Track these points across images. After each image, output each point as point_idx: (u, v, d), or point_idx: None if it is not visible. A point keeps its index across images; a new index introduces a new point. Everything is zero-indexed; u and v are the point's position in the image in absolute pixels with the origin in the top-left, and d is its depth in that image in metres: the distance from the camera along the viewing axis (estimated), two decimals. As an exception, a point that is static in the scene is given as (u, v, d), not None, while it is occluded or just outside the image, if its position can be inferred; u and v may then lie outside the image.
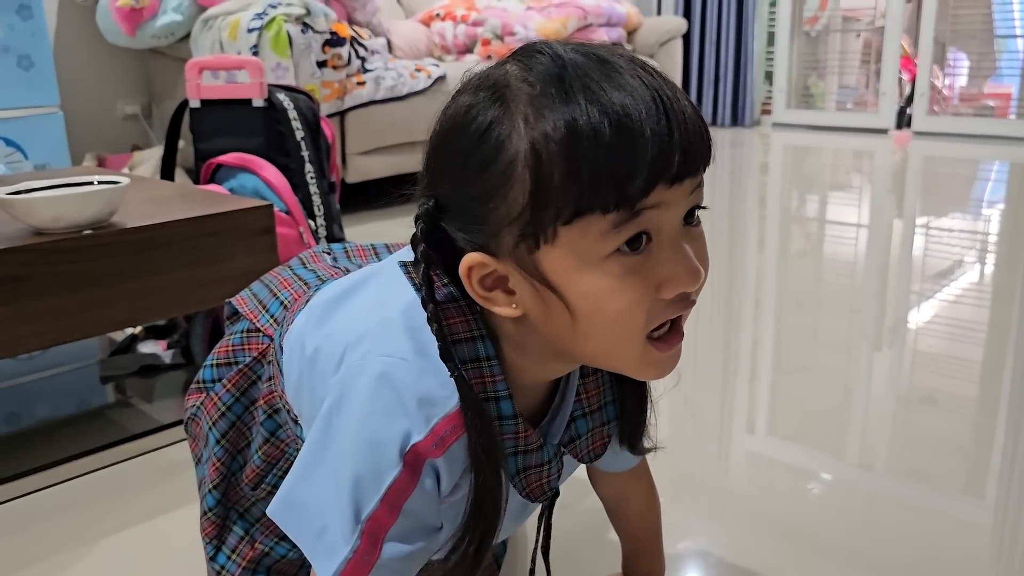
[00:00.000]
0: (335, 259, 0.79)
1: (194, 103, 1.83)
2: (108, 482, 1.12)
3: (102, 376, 1.50)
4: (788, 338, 1.70)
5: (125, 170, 2.59)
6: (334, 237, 1.84)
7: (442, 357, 0.53)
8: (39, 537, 0.99)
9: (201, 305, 1.20)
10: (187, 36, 2.68)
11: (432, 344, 0.53)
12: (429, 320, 0.53)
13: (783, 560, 0.93)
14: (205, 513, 0.76)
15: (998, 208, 2.92)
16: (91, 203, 1.04)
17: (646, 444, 0.69)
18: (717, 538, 0.97)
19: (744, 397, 1.41)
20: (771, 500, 1.07)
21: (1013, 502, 1.06)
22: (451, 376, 0.53)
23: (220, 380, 0.74)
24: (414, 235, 0.54)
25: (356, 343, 0.57)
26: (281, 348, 0.68)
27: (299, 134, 1.82)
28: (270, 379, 0.71)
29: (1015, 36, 4.54)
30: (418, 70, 2.82)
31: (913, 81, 4.55)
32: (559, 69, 0.48)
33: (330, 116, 2.51)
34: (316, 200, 1.81)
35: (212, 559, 0.76)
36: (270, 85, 1.86)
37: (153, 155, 2.69)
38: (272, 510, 0.58)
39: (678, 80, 4.34)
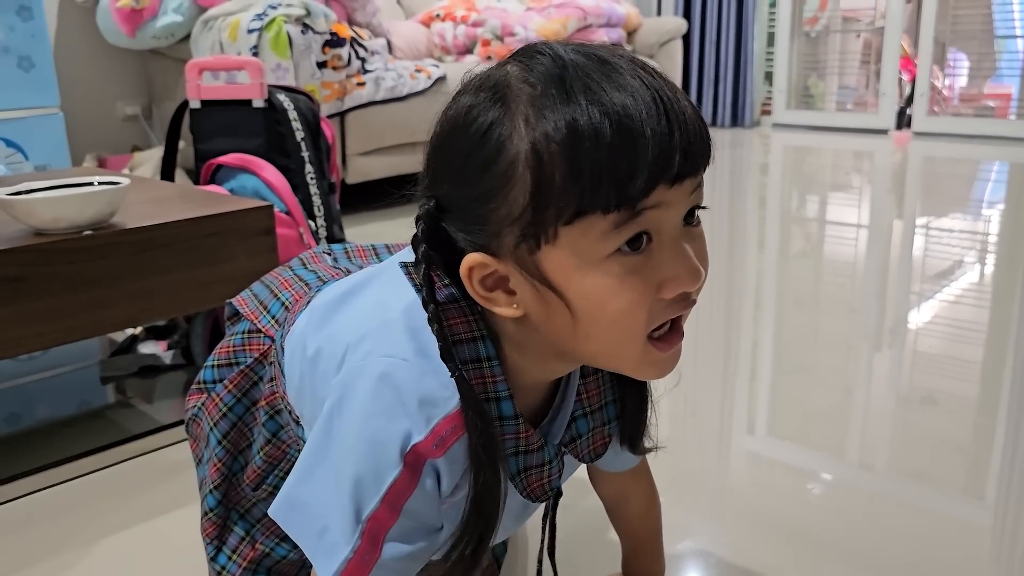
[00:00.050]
0: (336, 260, 0.79)
1: (194, 104, 1.83)
2: (108, 482, 1.12)
3: (102, 377, 1.50)
4: (788, 338, 1.70)
5: (125, 171, 2.59)
6: (334, 238, 1.84)
7: (443, 358, 0.53)
8: (40, 537, 1.00)
9: (201, 306, 1.20)
10: (187, 37, 2.68)
11: (433, 344, 0.53)
12: (430, 321, 0.53)
13: (783, 560, 0.93)
14: (206, 514, 0.76)
15: (998, 208, 2.92)
16: (91, 204, 1.04)
17: (646, 444, 0.69)
18: (717, 538, 0.97)
19: (744, 397, 1.41)
20: (771, 500, 1.07)
21: (1013, 502, 1.06)
22: (451, 376, 0.53)
23: (221, 381, 0.74)
24: (415, 236, 0.54)
25: (357, 344, 0.57)
26: (283, 349, 0.68)
27: (299, 135, 1.82)
28: (272, 380, 0.71)
29: (1015, 36, 4.54)
30: (418, 71, 2.83)
31: (913, 81, 4.55)
32: (560, 70, 0.48)
33: (330, 117, 2.51)
34: (316, 201, 1.81)
35: (213, 559, 0.76)
36: (270, 86, 1.86)
37: (153, 156, 2.69)
38: (273, 510, 0.58)
39: (678, 81, 4.34)
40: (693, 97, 4.93)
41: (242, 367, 0.73)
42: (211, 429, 0.74)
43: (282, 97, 1.83)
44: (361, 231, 2.51)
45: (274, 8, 2.41)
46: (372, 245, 0.82)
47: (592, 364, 0.59)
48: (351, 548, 0.53)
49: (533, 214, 0.48)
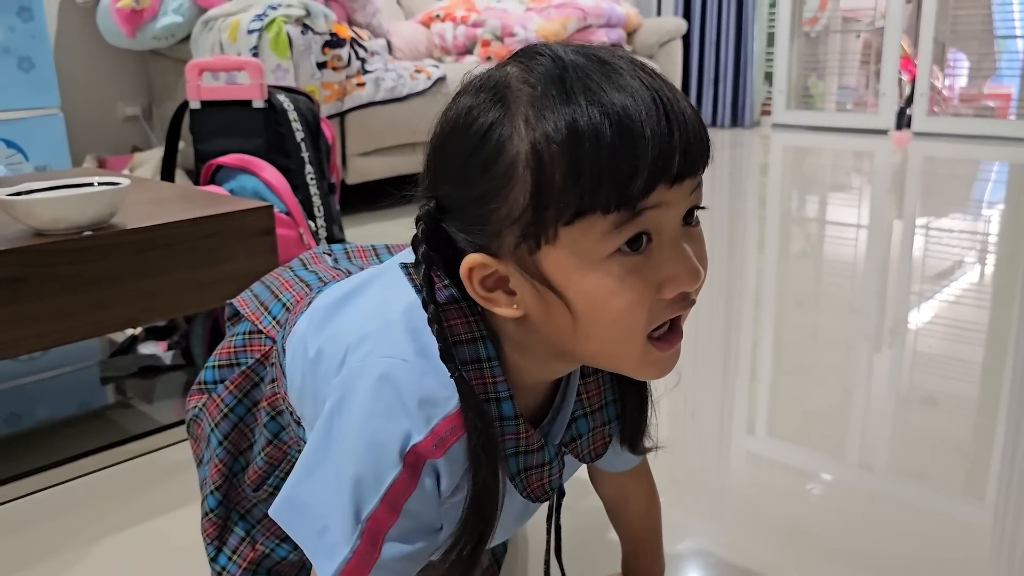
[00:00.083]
0: (336, 260, 0.79)
1: (194, 104, 1.83)
2: (108, 483, 1.12)
3: (102, 377, 1.50)
4: (788, 338, 1.70)
5: (125, 171, 2.59)
6: (334, 238, 1.84)
7: (442, 358, 0.53)
8: (40, 537, 1.00)
9: (201, 306, 1.20)
10: (187, 37, 2.68)
11: (433, 345, 0.53)
12: (430, 321, 0.53)
13: (783, 560, 0.93)
14: (206, 514, 0.76)
15: (998, 209, 2.92)
16: (91, 204, 1.04)
17: (646, 444, 0.69)
18: (717, 538, 0.97)
19: (744, 397, 1.41)
20: (771, 500, 1.07)
21: (1013, 502, 1.06)
22: (451, 377, 0.53)
23: (222, 381, 0.74)
24: (415, 236, 0.54)
25: (358, 344, 0.57)
26: (284, 350, 0.68)
27: (299, 135, 1.82)
28: (273, 381, 0.71)
29: (1015, 36, 4.54)
30: (418, 71, 2.83)
31: (913, 82, 4.55)
32: (560, 70, 0.48)
33: (330, 117, 2.52)
34: (316, 201, 1.81)
35: (213, 560, 0.76)
36: (270, 86, 1.86)
37: (153, 156, 2.69)
38: (274, 510, 0.58)
39: (678, 81, 4.34)
40: (693, 97, 4.95)
41: (243, 368, 0.73)
42: (212, 430, 0.74)
43: (282, 98, 1.83)
44: (361, 231, 2.51)
45: (274, 9, 2.41)
46: (372, 246, 0.82)
47: (592, 364, 0.59)
48: (351, 548, 0.53)
49: (533, 214, 0.48)
